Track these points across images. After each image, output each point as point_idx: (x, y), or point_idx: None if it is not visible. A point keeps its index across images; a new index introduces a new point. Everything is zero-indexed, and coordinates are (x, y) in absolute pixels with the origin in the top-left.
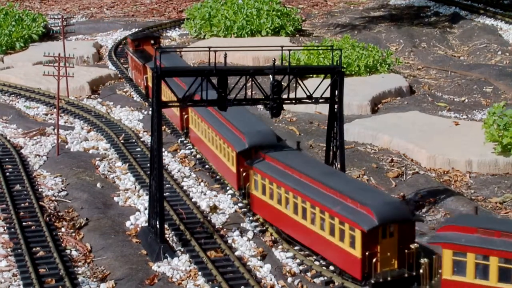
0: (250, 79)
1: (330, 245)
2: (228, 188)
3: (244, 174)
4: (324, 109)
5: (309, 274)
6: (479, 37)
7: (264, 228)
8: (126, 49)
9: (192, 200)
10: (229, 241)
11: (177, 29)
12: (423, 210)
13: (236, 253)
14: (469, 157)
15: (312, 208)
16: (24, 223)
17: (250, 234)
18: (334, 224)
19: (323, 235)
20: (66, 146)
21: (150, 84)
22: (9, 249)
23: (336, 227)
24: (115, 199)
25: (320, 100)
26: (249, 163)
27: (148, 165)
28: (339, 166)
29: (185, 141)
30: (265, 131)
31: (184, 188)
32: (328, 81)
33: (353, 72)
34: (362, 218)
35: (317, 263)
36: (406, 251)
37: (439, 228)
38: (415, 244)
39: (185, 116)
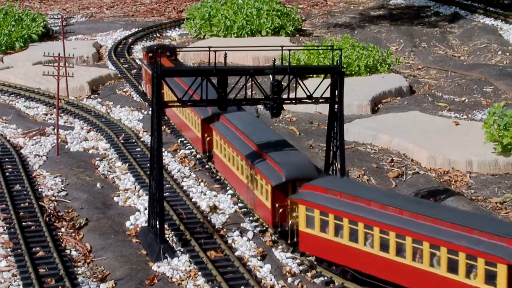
0: (250, 79)
1: None
2: (228, 188)
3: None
4: (324, 109)
5: (309, 274)
6: (479, 37)
7: (264, 228)
8: (140, 62)
9: (192, 200)
10: (229, 241)
11: (177, 29)
12: None
13: (236, 253)
14: (469, 157)
15: None
16: (24, 223)
17: (250, 234)
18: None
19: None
20: (66, 146)
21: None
22: (8, 249)
23: None
24: (115, 199)
25: (320, 100)
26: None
27: (148, 165)
28: (339, 166)
29: (206, 166)
30: (304, 163)
31: (184, 188)
32: (328, 81)
33: (353, 72)
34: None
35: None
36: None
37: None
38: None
39: (208, 138)
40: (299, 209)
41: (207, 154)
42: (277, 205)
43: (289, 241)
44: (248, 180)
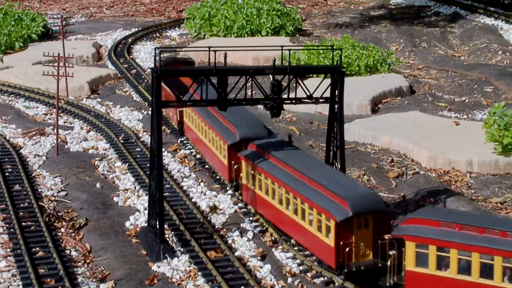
0: (250, 79)
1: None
2: (228, 188)
3: None
4: (324, 109)
5: (309, 274)
6: (479, 37)
7: (264, 228)
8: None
9: (192, 200)
10: (229, 242)
11: (177, 29)
12: None
13: (236, 254)
14: (469, 157)
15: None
16: (23, 223)
17: (250, 234)
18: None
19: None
20: (66, 146)
21: (186, 120)
22: (8, 250)
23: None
24: (115, 199)
25: (320, 100)
26: None
27: (148, 165)
28: (339, 166)
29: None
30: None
31: (184, 188)
32: (328, 81)
33: (353, 72)
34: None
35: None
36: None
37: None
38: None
39: (235, 166)
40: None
41: (234, 183)
42: (341, 242)
43: None
44: (304, 219)
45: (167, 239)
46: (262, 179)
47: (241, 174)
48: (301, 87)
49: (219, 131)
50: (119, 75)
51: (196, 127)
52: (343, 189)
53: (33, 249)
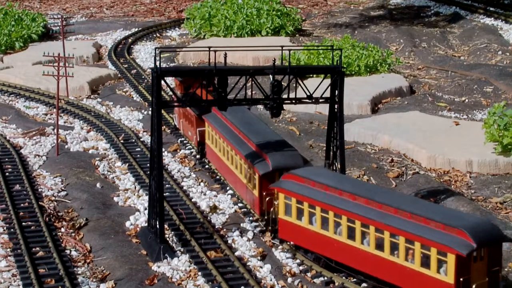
0: (250, 79)
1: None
2: (227, 188)
3: None
4: (324, 109)
5: (309, 274)
6: (479, 37)
7: (264, 228)
8: (172, 91)
9: (192, 200)
10: (229, 241)
11: (177, 29)
12: None
13: (236, 253)
14: (469, 157)
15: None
16: (23, 223)
17: (250, 234)
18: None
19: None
20: (66, 146)
21: (208, 142)
22: (8, 249)
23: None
24: (115, 199)
25: (320, 100)
26: None
27: (148, 165)
28: (339, 166)
29: (206, 166)
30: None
31: (184, 188)
32: (328, 81)
33: (353, 72)
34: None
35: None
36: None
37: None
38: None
39: (267, 199)
40: None
41: (266, 217)
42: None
43: None
44: (395, 254)
45: (167, 239)
46: (317, 212)
47: (274, 208)
48: (301, 87)
49: (249, 158)
50: (119, 75)
51: (220, 150)
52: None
53: (33, 249)
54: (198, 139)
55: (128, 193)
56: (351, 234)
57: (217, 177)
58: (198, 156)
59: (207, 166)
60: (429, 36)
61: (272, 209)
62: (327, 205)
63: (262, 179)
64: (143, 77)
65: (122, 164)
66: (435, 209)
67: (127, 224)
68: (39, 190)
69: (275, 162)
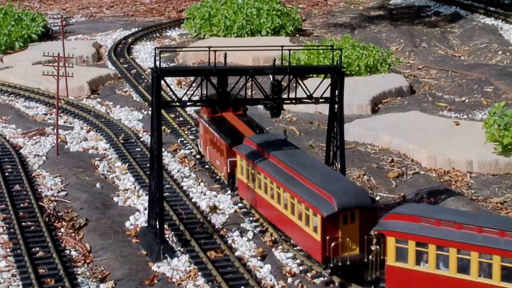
0: (250, 79)
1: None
2: (228, 188)
3: None
4: (324, 109)
5: (309, 274)
6: (479, 37)
7: (264, 228)
8: (197, 114)
9: (192, 200)
10: (229, 242)
11: (177, 29)
12: None
13: (236, 254)
14: (469, 157)
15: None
16: (23, 223)
17: (250, 235)
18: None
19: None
20: (66, 146)
21: (240, 177)
22: (8, 250)
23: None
24: (115, 199)
25: (320, 100)
26: None
27: (148, 165)
28: (339, 166)
29: (206, 166)
30: None
31: (184, 188)
32: (328, 81)
33: (353, 72)
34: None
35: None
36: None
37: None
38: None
39: (333, 244)
40: None
41: (331, 263)
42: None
43: None
44: None
45: (167, 239)
46: (451, 254)
47: (343, 253)
48: (301, 87)
49: (305, 197)
50: (119, 75)
51: (259, 186)
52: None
53: (33, 249)
54: (228, 171)
55: (128, 193)
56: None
57: (217, 177)
58: (228, 189)
59: (207, 166)
60: (429, 36)
61: (339, 254)
62: (467, 245)
63: (326, 221)
64: (143, 77)
65: (122, 164)
66: None
67: (127, 224)
68: (39, 190)
69: (340, 201)
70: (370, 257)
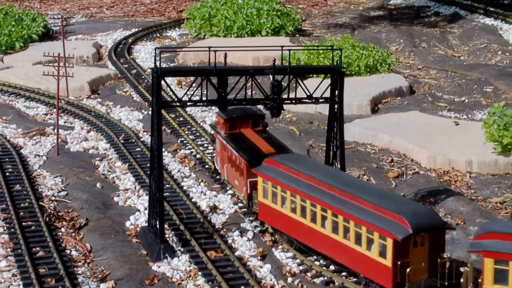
0: (250, 79)
1: None
2: (228, 188)
3: None
4: (324, 109)
5: (309, 274)
6: (479, 37)
7: (264, 228)
8: (213, 129)
9: (192, 200)
10: (229, 241)
11: (177, 29)
12: None
13: (236, 253)
14: (469, 157)
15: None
16: (24, 223)
17: (250, 234)
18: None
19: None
20: (66, 146)
21: (264, 201)
22: (9, 249)
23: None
24: (115, 199)
25: (320, 100)
26: None
27: (148, 165)
28: (339, 166)
29: (206, 166)
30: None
31: (184, 188)
32: (328, 81)
33: (353, 72)
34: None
35: (317, 263)
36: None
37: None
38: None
39: (408, 270)
40: None
41: None
42: None
43: None
44: None
45: (167, 239)
46: None
47: (415, 278)
48: (301, 87)
49: (368, 220)
50: (119, 75)
51: (293, 210)
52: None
53: (34, 249)
54: (248, 191)
55: (128, 193)
56: None
57: (217, 177)
58: (246, 209)
59: (207, 166)
60: (429, 36)
61: (411, 280)
62: None
63: (398, 245)
64: (143, 77)
65: (122, 164)
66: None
67: (127, 224)
68: (39, 190)
69: (415, 223)
70: (461, 280)
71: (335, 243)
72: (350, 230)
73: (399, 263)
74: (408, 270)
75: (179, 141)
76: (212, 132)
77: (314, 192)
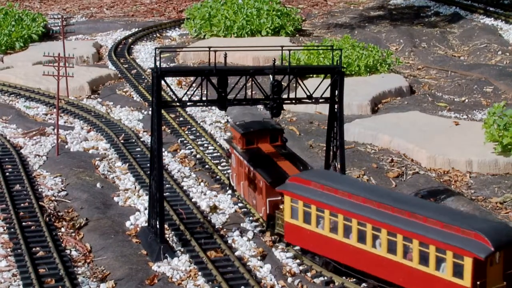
0: (250, 79)
1: None
2: (228, 188)
3: None
4: (324, 109)
5: (309, 274)
6: (479, 37)
7: (264, 228)
8: (228, 144)
9: (192, 200)
10: (229, 241)
11: (177, 29)
12: None
13: (236, 253)
14: (469, 157)
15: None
16: (24, 223)
17: (250, 234)
18: None
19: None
20: (66, 146)
21: (291, 220)
22: (9, 249)
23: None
24: (115, 199)
25: (320, 100)
26: None
27: (148, 165)
28: (339, 166)
29: (206, 166)
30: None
31: (184, 188)
32: (328, 81)
33: (353, 72)
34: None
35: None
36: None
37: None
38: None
39: None
40: None
41: None
42: None
43: None
44: None
45: (167, 239)
46: None
47: None
48: (301, 87)
49: (436, 237)
50: (119, 75)
51: (334, 230)
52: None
53: (34, 249)
54: (268, 212)
55: (128, 193)
56: None
57: (217, 177)
58: (264, 230)
59: (207, 166)
60: (429, 36)
61: None
62: None
63: (478, 264)
64: (143, 77)
65: (122, 164)
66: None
67: (127, 224)
68: (39, 190)
69: (495, 240)
70: None
71: (392, 264)
72: (413, 249)
73: (478, 283)
74: None
75: (179, 141)
76: (227, 146)
77: (361, 210)
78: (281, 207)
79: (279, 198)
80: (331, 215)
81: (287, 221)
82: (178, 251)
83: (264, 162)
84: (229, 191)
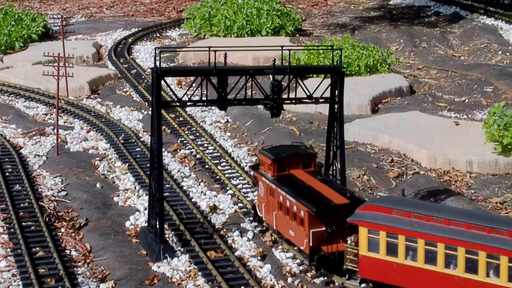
0: (250, 79)
1: None
2: (228, 188)
3: None
4: (324, 109)
5: (309, 274)
6: (479, 37)
7: (264, 228)
8: (254, 171)
9: (192, 200)
10: (229, 241)
11: (177, 29)
12: None
13: (236, 253)
14: (469, 157)
15: None
16: (23, 223)
17: (250, 234)
18: None
19: None
20: (66, 146)
21: (369, 254)
22: (8, 249)
23: None
24: (115, 199)
25: (320, 100)
26: None
27: (148, 165)
28: (339, 166)
29: (206, 166)
30: None
31: (184, 188)
32: (328, 81)
33: (353, 72)
34: None
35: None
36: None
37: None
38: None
39: None
40: None
41: None
42: None
43: None
44: None
45: (167, 239)
46: None
47: None
48: (301, 87)
49: None
50: (119, 75)
51: (431, 261)
52: None
53: (33, 249)
54: (311, 244)
55: (128, 193)
56: None
57: (217, 177)
58: (308, 265)
59: (207, 166)
60: (429, 36)
61: None
62: None
63: None
64: (143, 77)
65: (122, 164)
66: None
67: (127, 224)
68: (39, 190)
69: None
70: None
71: None
72: None
73: None
74: None
75: (179, 141)
76: (252, 173)
77: (466, 237)
78: (348, 240)
79: (323, 229)
80: (427, 245)
81: (363, 254)
82: (178, 251)
83: (302, 189)
84: (229, 191)
